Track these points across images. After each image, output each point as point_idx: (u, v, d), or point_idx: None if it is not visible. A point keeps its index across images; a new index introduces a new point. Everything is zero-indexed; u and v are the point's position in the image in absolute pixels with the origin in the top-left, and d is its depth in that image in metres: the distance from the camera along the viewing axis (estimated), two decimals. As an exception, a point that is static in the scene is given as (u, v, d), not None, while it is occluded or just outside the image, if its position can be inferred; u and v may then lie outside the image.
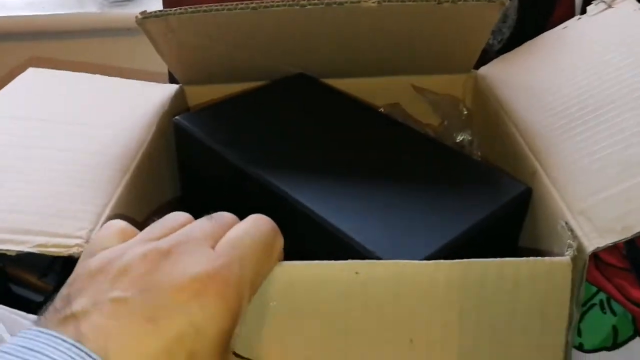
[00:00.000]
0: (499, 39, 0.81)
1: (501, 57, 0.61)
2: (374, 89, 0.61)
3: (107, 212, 0.41)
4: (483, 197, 0.43)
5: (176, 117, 0.50)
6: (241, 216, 0.34)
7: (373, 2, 0.49)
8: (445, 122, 0.58)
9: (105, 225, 0.34)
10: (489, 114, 0.57)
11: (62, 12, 1.29)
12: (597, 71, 0.48)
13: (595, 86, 0.47)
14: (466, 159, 0.49)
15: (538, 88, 0.52)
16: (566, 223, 0.38)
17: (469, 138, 0.60)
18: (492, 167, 0.48)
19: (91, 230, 0.39)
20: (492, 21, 0.53)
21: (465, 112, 0.60)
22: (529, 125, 0.48)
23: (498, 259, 0.34)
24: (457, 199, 0.43)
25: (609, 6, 0.56)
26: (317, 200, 0.41)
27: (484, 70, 0.60)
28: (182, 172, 0.54)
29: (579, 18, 0.58)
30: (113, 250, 0.31)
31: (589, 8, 0.58)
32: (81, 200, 0.41)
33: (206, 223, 0.33)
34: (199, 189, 0.52)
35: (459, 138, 0.58)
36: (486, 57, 0.72)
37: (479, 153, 0.59)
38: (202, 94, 0.60)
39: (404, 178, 0.45)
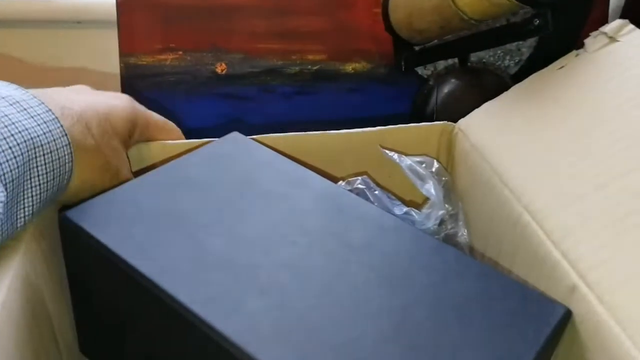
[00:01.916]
0: (517, 60, 0.69)
1: (483, 106, 0.49)
2: (327, 149, 0.48)
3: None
4: (520, 330, 0.31)
5: (65, 213, 0.36)
6: None
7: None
8: (431, 198, 0.45)
9: None
10: (477, 182, 0.45)
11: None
12: (608, 126, 0.38)
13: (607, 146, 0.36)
14: (477, 265, 0.36)
15: (540, 149, 0.40)
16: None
17: (452, 212, 0.47)
18: (515, 282, 0.35)
19: None
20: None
21: (445, 179, 0.48)
22: (543, 207, 0.36)
23: None
24: (484, 329, 0.31)
25: (613, 39, 0.45)
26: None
27: (463, 123, 0.48)
28: (74, 293, 0.39)
29: (577, 54, 0.47)
30: None
31: (587, 41, 0.47)
32: None
33: None
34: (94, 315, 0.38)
35: (440, 211, 0.46)
36: (501, 82, 0.62)
37: (465, 235, 0.47)
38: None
39: (401, 295, 0.32)
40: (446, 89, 0.61)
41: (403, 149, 0.49)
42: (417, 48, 0.65)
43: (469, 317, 0.32)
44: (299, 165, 0.42)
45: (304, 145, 0.48)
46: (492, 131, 0.46)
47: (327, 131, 0.48)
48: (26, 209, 0.33)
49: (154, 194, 0.37)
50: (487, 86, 0.61)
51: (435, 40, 0.63)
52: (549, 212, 0.36)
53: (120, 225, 0.35)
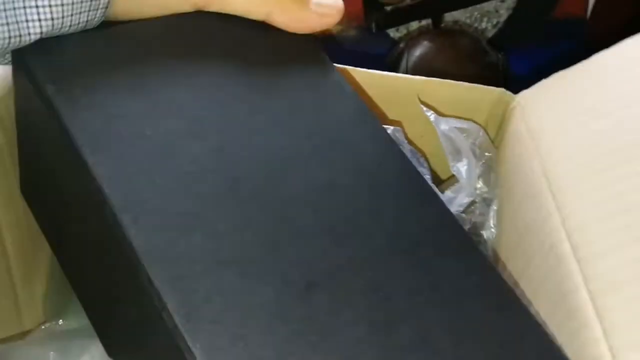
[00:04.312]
0: (494, 22, 0.61)
1: (555, 76, 0.39)
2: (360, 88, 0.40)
3: None
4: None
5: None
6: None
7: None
8: (460, 181, 0.37)
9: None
10: (521, 177, 0.36)
11: None
12: None
13: None
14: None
15: (612, 163, 0.31)
16: None
17: (485, 195, 0.39)
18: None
19: None
20: None
21: (489, 155, 0.39)
22: (591, 242, 0.28)
23: None
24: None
25: None
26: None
27: (524, 97, 0.39)
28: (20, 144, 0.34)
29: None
30: None
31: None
32: None
33: None
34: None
35: (466, 199, 0.37)
36: (477, 45, 0.54)
37: (493, 230, 0.39)
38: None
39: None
40: (418, 51, 0.56)
41: (446, 109, 0.40)
42: (388, 8, 0.59)
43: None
44: None
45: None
46: (558, 117, 0.36)
47: (365, 69, 0.40)
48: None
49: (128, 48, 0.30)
50: (461, 50, 0.56)
51: (408, 0, 0.58)
52: (596, 252, 0.27)
53: (73, 78, 0.28)
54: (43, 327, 0.41)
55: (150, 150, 0.27)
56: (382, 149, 0.30)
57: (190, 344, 0.22)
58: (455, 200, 0.37)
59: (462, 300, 0.27)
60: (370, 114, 0.32)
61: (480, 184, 0.39)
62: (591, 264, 0.27)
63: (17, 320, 0.38)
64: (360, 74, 0.39)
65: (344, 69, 0.39)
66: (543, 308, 0.30)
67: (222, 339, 0.23)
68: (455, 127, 0.38)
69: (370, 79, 0.40)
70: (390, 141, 0.31)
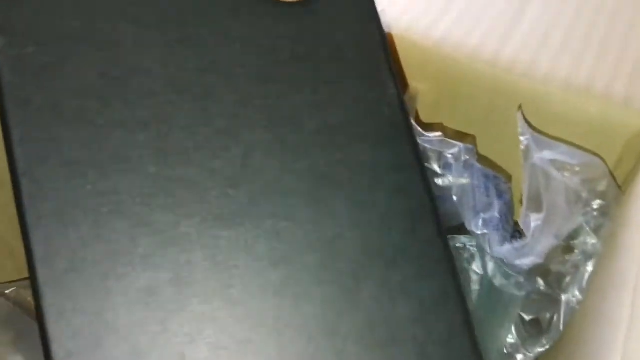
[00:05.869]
0: None
1: None
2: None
3: None
4: None
5: None
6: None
7: None
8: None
9: None
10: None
11: None
12: None
13: None
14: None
15: None
16: None
17: (589, 245, 0.30)
18: None
19: None
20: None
21: (604, 204, 0.29)
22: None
23: None
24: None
25: None
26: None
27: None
28: None
29: None
30: None
31: None
32: None
33: None
34: None
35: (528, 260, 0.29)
36: None
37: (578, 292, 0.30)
38: None
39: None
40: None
41: (556, 130, 0.30)
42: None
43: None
44: None
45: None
46: None
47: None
48: None
49: None
50: None
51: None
52: None
53: None
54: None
55: None
56: None
57: None
58: (525, 250, 0.29)
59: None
60: None
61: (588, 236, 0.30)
62: None
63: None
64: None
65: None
66: None
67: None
68: (555, 160, 0.29)
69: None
70: None
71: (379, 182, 0.25)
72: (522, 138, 0.30)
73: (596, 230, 0.30)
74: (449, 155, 0.30)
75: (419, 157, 0.26)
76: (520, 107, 0.30)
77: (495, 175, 0.30)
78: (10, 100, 0.24)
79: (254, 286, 0.23)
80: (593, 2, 0.32)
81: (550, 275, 0.31)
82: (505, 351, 0.31)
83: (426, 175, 0.26)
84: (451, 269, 0.25)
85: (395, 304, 0.24)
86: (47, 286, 0.22)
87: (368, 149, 0.26)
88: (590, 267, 0.30)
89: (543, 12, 0.32)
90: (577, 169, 0.29)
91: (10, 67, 0.24)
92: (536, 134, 0.30)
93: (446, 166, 0.30)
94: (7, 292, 0.34)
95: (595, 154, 0.30)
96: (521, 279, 0.30)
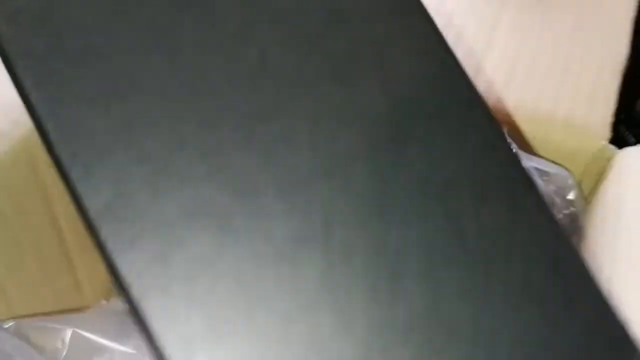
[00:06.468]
0: None
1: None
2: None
3: None
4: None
5: None
6: None
7: None
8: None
9: None
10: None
11: None
12: None
13: None
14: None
15: None
16: None
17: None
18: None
19: None
20: None
21: (573, 210, 0.34)
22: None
23: None
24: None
25: None
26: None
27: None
28: None
29: None
30: None
31: None
32: None
33: None
34: None
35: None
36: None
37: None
38: None
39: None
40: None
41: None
42: None
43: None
44: None
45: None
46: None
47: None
48: None
49: None
50: None
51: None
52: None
53: None
54: (105, 302, 0.42)
55: None
56: None
57: None
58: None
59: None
60: None
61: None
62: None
63: (77, 293, 0.39)
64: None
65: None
66: None
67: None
68: (537, 168, 0.33)
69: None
70: None
71: None
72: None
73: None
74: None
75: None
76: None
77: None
78: (13, 52, 0.23)
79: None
80: (550, 36, 0.38)
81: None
82: None
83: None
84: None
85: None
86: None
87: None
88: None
89: (508, 47, 0.37)
90: (551, 177, 0.34)
91: (6, 19, 0.24)
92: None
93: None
94: (5, 326, 0.32)
95: (564, 167, 0.35)
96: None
